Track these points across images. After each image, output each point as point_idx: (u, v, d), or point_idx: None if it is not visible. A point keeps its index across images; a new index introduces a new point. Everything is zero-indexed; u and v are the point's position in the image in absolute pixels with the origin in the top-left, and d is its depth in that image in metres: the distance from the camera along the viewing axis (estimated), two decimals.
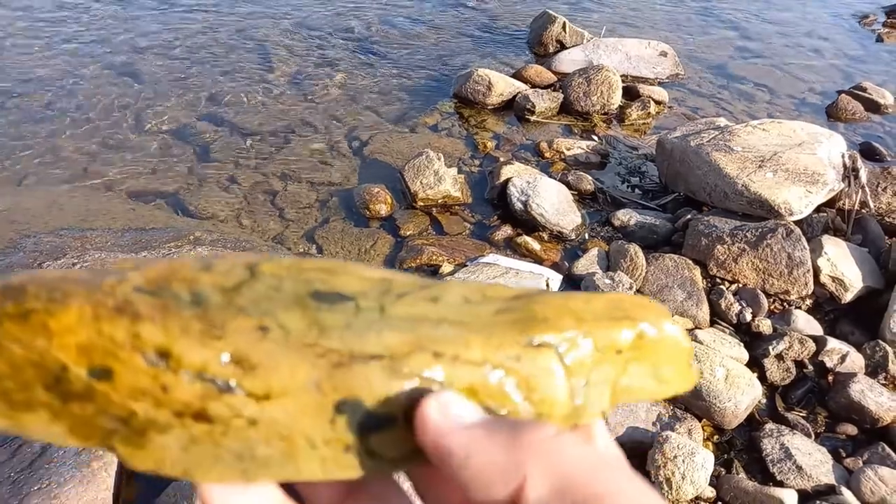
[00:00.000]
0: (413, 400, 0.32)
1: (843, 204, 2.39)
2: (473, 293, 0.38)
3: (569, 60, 3.73)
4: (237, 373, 0.31)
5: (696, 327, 2.01)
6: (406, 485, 0.37)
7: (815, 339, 1.91)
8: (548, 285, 2.15)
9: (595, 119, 3.26)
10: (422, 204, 2.52)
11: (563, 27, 3.99)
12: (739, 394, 1.69)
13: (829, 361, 1.86)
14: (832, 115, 3.47)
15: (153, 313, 0.32)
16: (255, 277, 0.35)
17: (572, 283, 2.23)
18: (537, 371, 0.34)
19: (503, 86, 3.36)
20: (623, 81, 3.44)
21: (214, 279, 0.35)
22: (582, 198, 2.63)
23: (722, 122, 2.76)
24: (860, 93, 3.57)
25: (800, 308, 2.08)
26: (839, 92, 3.60)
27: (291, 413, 0.32)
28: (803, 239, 2.15)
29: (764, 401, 1.80)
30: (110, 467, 1.36)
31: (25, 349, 0.31)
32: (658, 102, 3.43)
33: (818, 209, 2.35)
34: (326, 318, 0.34)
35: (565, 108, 3.30)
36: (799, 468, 1.57)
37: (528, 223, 2.43)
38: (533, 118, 3.22)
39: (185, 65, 3.62)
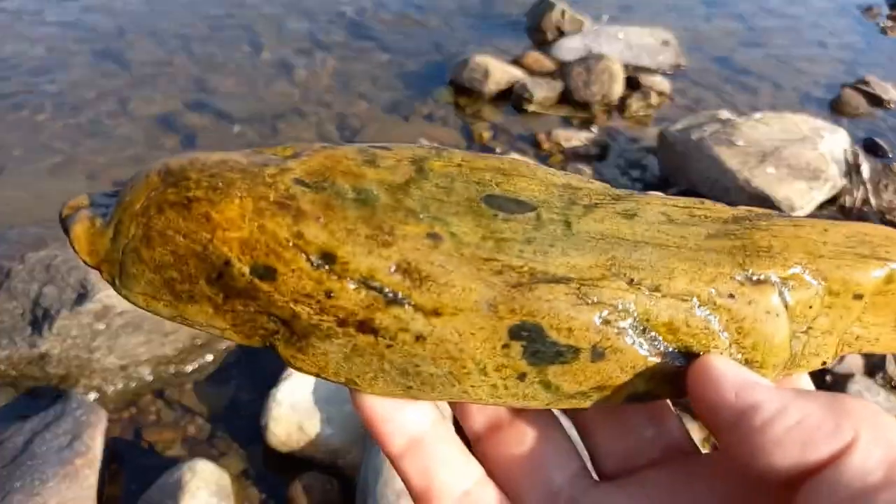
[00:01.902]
0: (602, 332, 0.30)
1: (845, 201, 2.41)
2: (678, 211, 0.33)
3: (568, 48, 3.73)
4: (406, 284, 0.30)
5: None
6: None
7: None
8: None
9: (595, 110, 3.27)
10: None
11: (563, 14, 3.99)
12: None
13: (828, 362, 1.88)
14: (836, 109, 3.48)
15: (317, 212, 0.30)
16: (424, 175, 0.33)
17: None
18: (754, 313, 0.30)
19: (500, 74, 3.36)
20: (624, 71, 3.45)
21: (381, 175, 0.32)
22: None
23: (724, 114, 2.77)
24: (864, 87, 3.58)
25: None
26: (843, 86, 3.61)
27: (462, 333, 0.30)
28: None
29: None
30: (94, 464, 1.37)
31: (189, 240, 0.30)
32: (660, 93, 3.44)
33: (820, 206, 2.37)
34: (504, 228, 0.31)
35: (565, 98, 3.31)
36: None
37: None
38: (531, 108, 3.23)
39: (171, 49, 3.60)
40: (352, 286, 0.30)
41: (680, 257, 0.31)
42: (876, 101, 3.52)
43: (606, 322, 0.30)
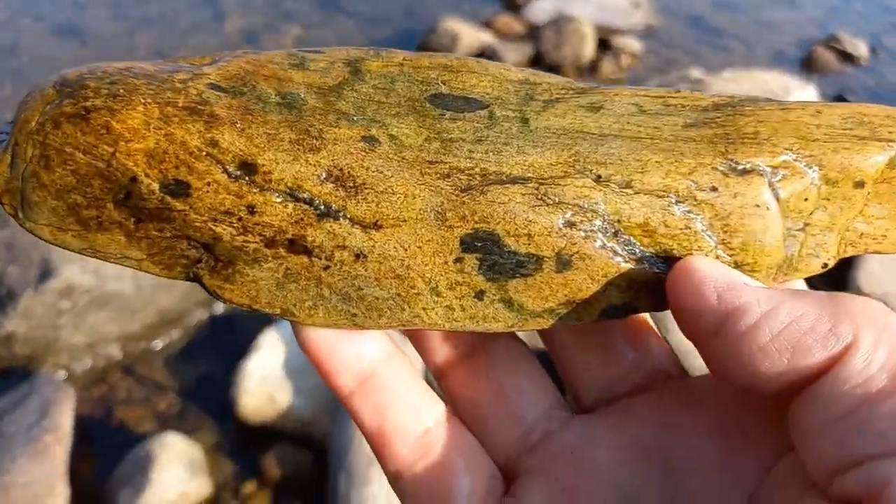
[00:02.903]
0: (567, 236, 0.27)
1: None
2: (651, 101, 0.30)
3: (539, 10, 3.71)
4: (339, 194, 0.27)
5: None
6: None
7: None
8: None
9: (566, 72, 3.27)
10: None
11: None
12: None
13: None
14: (807, 67, 3.51)
15: (234, 116, 0.28)
16: (360, 77, 0.30)
17: None
18: (740, 207, 0.27)
19: (470, 39, 3.34)
20: (595, 33, 3.44)
21: (310, 78, 0.30)
22: None
23: (695, 74, 2.78)
24: (835, 45, 3.61)
25: None
26: (815, 43, 3.63)
27: (408, 247, 0.27)
28: None
29: None
30: (64, 441, 1.38)
31: (89, 156, 0.27)
32: (631, 54, 3.44)
33: None
34: (451, 128, 0.29)
35: (536, 62, 3.30)
36: None
37: None
38: None
39: (132, 20, 3.53)
40: (277, 199, 0.27)
41: (654, 149, 0.28)
42: (847, 57, 3.55)
43: (571, 225, 0.27)
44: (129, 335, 1.72)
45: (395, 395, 0.30)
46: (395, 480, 0.30)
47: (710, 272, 0.26)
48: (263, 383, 1.52)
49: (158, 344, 1.74)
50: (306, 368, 1.54)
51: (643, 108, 0.30)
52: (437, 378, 0.33)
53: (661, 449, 0.29)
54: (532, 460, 0.31)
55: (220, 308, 1.76)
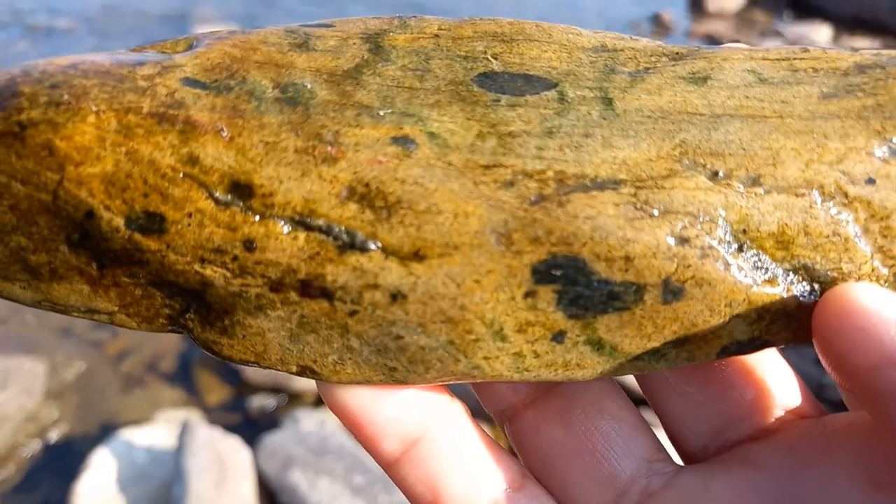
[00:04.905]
0: (679, 257, 0.21)
1: None
2: (773, 66, 0.24)
3: None
4: (366, 218, 0.21)
5: None
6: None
7: None
8: None
9: None
10: None
11: None
12: None
13: None
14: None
15: (217, 121, 0.22)
16: (384, 55, 0.24)
17: None
18: None
19: None
20: None
21: (317, 61, 0.24)
22: None
23: None
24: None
25: None
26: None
27: (461, 282, 0.21)
28: None
29: None
30: None
31: (29, 186, 0.21)
32: None
33: None
34: (511, 118, 0.22)
35: None
36: None
37: None
38: None
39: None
40: (283, 229, 0.21)
41: (785, 131, 0.22)
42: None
43: (683, 241, 0.21)
44: None
45: (451, 459, 0.25)
46: None
47: (874, 302, 0.20)
48: (98, 501, 1.47)
49: None
50: (142, 475, 1.49)
51: (763, 75, 0.24)
52: (501, 425, 0.27)
53: (794, 502, 0.24)
54: None
55: (54, 436, 1.67)
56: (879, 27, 3.59)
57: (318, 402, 1.65)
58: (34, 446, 1.69)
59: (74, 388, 1.76)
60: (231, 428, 1.54)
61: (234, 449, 1.43)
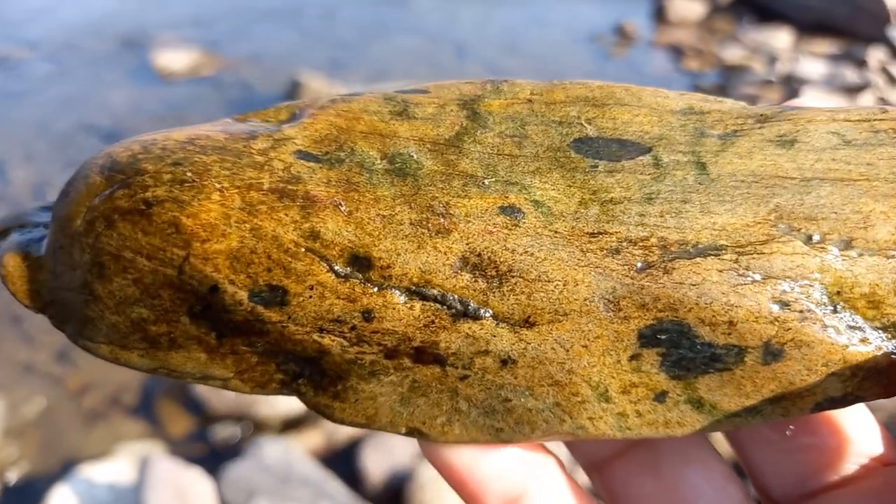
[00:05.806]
0: (779, 320, 0.22)
1: None
2: (854, 128, 0.25)
3: None
4: (479, 287, 0.22)
5: None
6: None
7: None
8: None
9: None
10: None
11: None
12: None
13: None
14: None
15: (334, 196, 0.23)
16: (480, 122, 0.25)
17: None
18: None
19: None
20: None
21: (418, 130, 0.25)
22: None
23: None
24: None
25: None
26: None
27: (570, 347, 0.22)
28: None
29: None
30: None
31: (155, 262, 0.22)
32: None
33: None
34: (610, 184, 0.23)
35: None
36: None
37: None
38: None
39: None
40: (400, 299, 0.22)
41: (874, 195, 0.23)
42: None
43: (784, 305, 0.22)
44: None
45: None
46: None
47: None
48: None
49: None
50: None
51: (846, 137, 0.24)
52: (591, 475, 0.28)
53: None
54: None
55: (13, 476, 1.64)
56: (838, 31, 3.68)
57: (283, 429, 1.64)
58: None
59: (35, 425, 1.73)
60: (194, 459, 1.53)
61: (195, 480, 1.42)
